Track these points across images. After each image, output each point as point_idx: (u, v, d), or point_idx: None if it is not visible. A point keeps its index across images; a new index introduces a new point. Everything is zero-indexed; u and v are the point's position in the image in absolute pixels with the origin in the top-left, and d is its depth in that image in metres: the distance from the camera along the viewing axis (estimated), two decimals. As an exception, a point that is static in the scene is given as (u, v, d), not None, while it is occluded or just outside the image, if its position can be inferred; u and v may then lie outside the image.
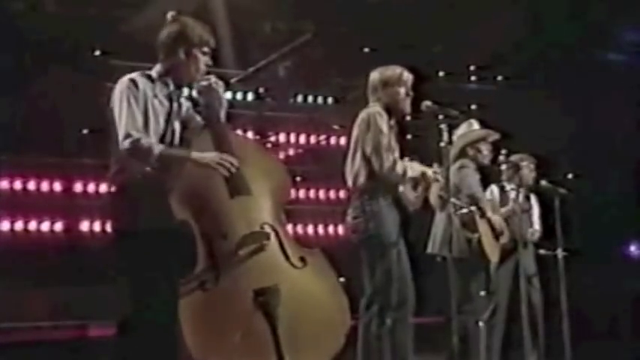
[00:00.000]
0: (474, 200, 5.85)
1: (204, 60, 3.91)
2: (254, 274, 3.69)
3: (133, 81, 3.79)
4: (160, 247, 3.66)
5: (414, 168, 4.79)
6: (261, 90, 8.74)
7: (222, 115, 3.96)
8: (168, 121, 3.84)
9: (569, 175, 8.99)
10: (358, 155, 4.79)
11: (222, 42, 7.60)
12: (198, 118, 3.98)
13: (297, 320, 3.71)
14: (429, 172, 4.83)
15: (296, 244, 3.96)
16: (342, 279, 3.99)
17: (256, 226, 3.80)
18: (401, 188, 4.82)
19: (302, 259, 3.87)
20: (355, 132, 4.85)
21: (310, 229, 9.23)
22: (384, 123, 4.75)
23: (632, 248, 9.43)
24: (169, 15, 3.98)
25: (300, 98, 9.16)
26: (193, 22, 3.93)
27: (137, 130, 3.70)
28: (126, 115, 3.70)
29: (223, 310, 3.63)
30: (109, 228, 7.80)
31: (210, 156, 3.73)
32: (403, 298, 4.68)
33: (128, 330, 3.70)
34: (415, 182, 4.86)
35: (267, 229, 3.82)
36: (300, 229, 9.08)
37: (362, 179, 4.76)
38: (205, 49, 3.90)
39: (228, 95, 8.45)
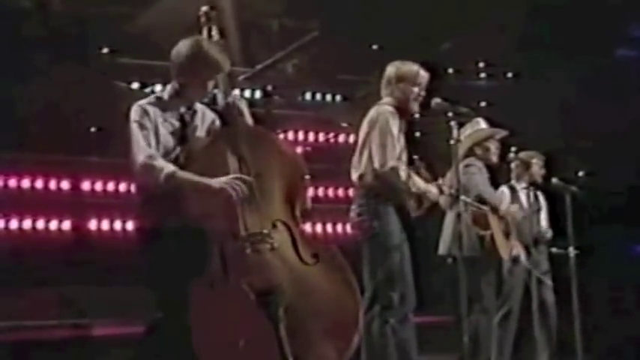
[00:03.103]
0: (481, 200, 5.80)
1: (215, 81, 3.92)
2: (259, 273, 3.67)
3: (143, 109, 3.85)
4: (183, 246, 3.66)
5: (417, 185, 4.73)
6: (269, 88, 8.69)
7: (247, 118, 3.98)
8: (181, 141, 3.87)
9: (580, 173, 8.93)
10: (366, 153, 4.74)
11: (229, 39, 7.57)
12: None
13: (305, 320, 3.68)
14: (433, 191, 4.78)
15: (310, 241, 3.92)
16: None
17: (268, 223, 3.77)
18: None
19: (315, 256, 3.82)
20: (364, 129, 4.80)
21: (319, 228, 9.20)
22: (395, 125, 4.69)
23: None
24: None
25: (308, 96, 9.10)
26: (210, 45, 3.93)
27: (152, 148, 3.77)
28: (141, 137, 3.77)
29: (229, 310, 3.62)
30: (117, 226, 7.93)
31: (223, 182, 3.72)
32: (404, 297, 4.64)
33: (155, 330, 3.71)
34: (418, 199, 4.81)
35: (280, 226, 3.80)
36: (308, 227, 9.03)
37: (369, 178, 4.70)
38: (219, 73, 3.91)
39: (236, 93, 8.47)
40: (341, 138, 9.40)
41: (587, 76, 8.53)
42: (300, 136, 9.31)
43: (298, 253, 3.80)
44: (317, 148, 9.40)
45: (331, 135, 9.46)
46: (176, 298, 3.61)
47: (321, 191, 9.30)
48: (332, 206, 9.21)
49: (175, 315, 3.61)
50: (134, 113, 3.84)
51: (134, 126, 3.79)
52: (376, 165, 4.64)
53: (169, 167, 3.72)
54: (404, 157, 4.74)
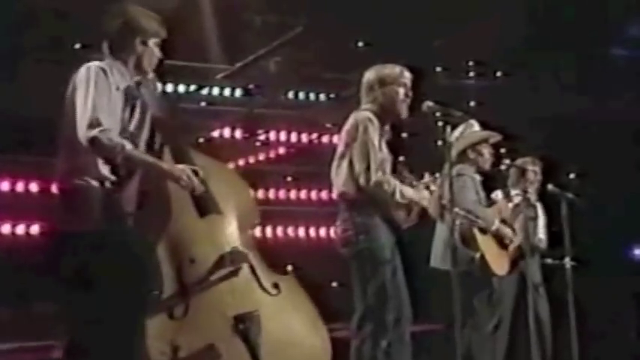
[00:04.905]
0: (469, 217, 5.55)
1: (156, 52, 3.63)
2: (230, 299, 3.51)
3: (102, 69, 3.46)
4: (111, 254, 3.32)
5: (405, 194, 4.46)
6: (250, 86, 8.46)
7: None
8: (122, 119, 3.52)
9: (572, 175, 8.80)
10: (345, 164, 4.46)
11: (209, 36, 7.34)
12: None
13: (279, 348, 3.56)
14: (424, 200, 4.54)
15: (268, 269, 3.80)
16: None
17: (227, 248, 3.59)
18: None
19: (275, 286, 3.73)
20: (344, 138, 4.53)
21: (301, 231, 8.97)
22: (375, 132, 4.42)
23: (638, 252, 9.20)
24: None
25: (291, 95, 8.83)
26: (143, 12, 3.66)
27: (106, 119, 3.35)
28: (94, 101, 3.34)
29: (198, 339, 3.41)
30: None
31: (182, 169, 3.42)
32: (399, 316, 4.34)
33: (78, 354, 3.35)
34: (408, 208, 4.54)
35: (238, 254, 3.66)
36: (291, 231, 8.86)
37: (351, 192, 4.42)
38: (157, 39, 3.62)
39: (216, 91, 8.25)
40: (325, 139, 9.16)
41: (581, 75, 8.36)
42: (283, 136, 9.08)
43: (259, 282, 3.68)
44: (300, 148, 9.20)
45: (315, 135, 9.23)
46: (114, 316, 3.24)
47: (304, 194, 9.06)
48: (315, 209, 9.00)
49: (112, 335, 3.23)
50: (90, 72, 3.43)
51: (90, 85, 3.37)
52: (361, 181, 4.34)
53: (127, 143, 3.36)
54: (388, 167, 4.49)
